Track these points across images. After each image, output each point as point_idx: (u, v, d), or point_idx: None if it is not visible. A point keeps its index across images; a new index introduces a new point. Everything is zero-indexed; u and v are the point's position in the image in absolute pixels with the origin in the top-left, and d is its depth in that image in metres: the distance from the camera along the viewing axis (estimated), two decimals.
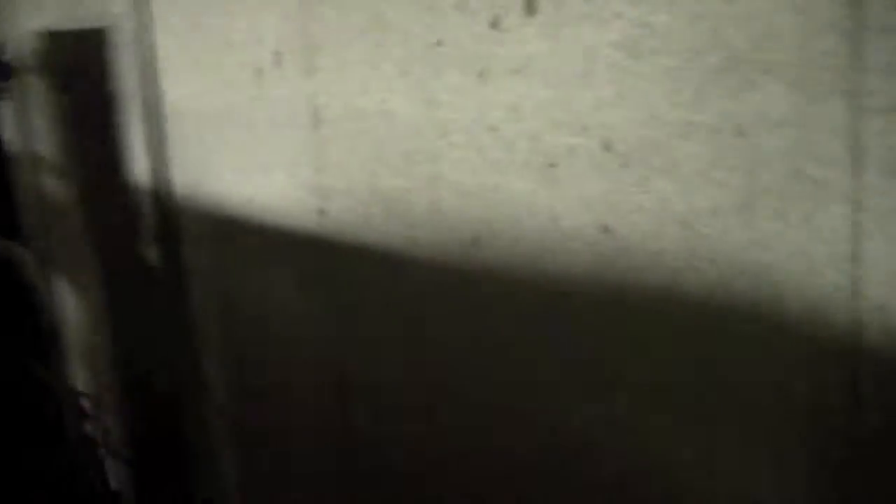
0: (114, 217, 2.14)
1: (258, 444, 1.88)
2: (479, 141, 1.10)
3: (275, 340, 1.69)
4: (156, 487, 2.08)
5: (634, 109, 0.92)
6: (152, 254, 1.96)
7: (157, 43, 1.77)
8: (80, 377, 2.52)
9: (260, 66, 1.47)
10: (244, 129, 1.55)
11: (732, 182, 0.84)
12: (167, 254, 1.90)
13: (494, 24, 1.05)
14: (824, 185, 0.77)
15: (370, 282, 1.40)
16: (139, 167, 1.94)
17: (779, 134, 0.80)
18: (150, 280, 2.03)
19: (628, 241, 0.96)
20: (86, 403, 2.03)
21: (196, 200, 1.76)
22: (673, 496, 0.96)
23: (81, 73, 2.13)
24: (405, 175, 1.24)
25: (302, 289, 1.56)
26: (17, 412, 1.74)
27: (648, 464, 0.98)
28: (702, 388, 0.91)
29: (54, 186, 2.37)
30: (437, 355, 1.30)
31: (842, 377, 0.79)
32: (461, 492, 1.28)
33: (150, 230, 1.96)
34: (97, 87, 2.04)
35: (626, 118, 0.93)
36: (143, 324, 2.18)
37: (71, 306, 2.43)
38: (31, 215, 1.75)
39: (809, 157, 0.78)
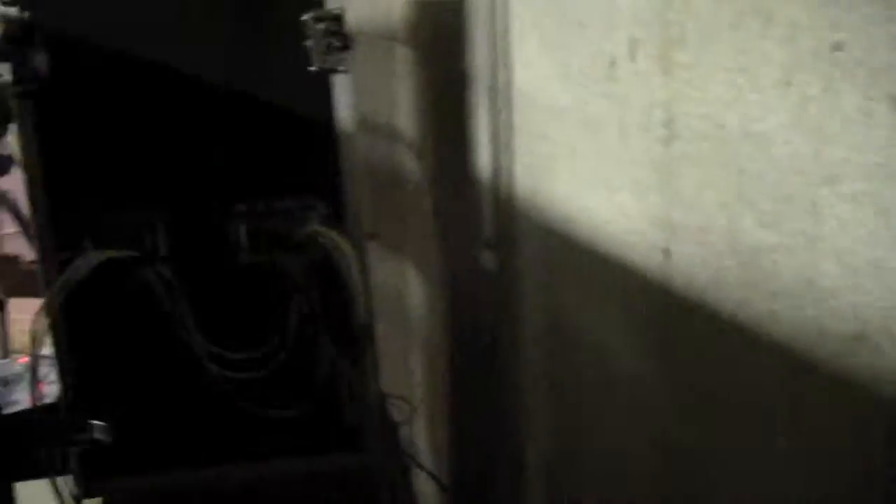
0: (457, 208, 2.16)
1: (574, 498, 1.78)
2: (882, 198, 0.84)
3: (596, 385, 1.55)
4: None
5: None
6: (488, 257, 1.93)
7: (510, 16, 1.70)
8: (398, 378, 2.62)
9: (613, 55, 1.32)
10: (591, 132, 1.42)
11: None
12: (502, 261, 1.85)
13: None
14: None
15: (715, 354, 1.19)
16: (481, 157, 1.91)
17: None
18: (485, 286, 2.01)
19: None
20: (397, 410, 2.09)
21: (535, 204, 1.67)
22: None
23: (439, 47, 2.16)
24: (773, 227, 1.00)
25: (633, 338, 1.39)
26: (316, 412, 1.83)
27: None
28: None
29: (400, 166, 2.46)
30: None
31: None
32: None
33: (488, 229, 1.93)
34: (453, 63, 2.05)
35: None
36: (475, 333, 2.18)
37: (393, 296, 2.53)
38: (357, 193, 1.81)
39: None
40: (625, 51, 1.28)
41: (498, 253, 1.82)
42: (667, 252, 1.23)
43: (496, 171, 1.79)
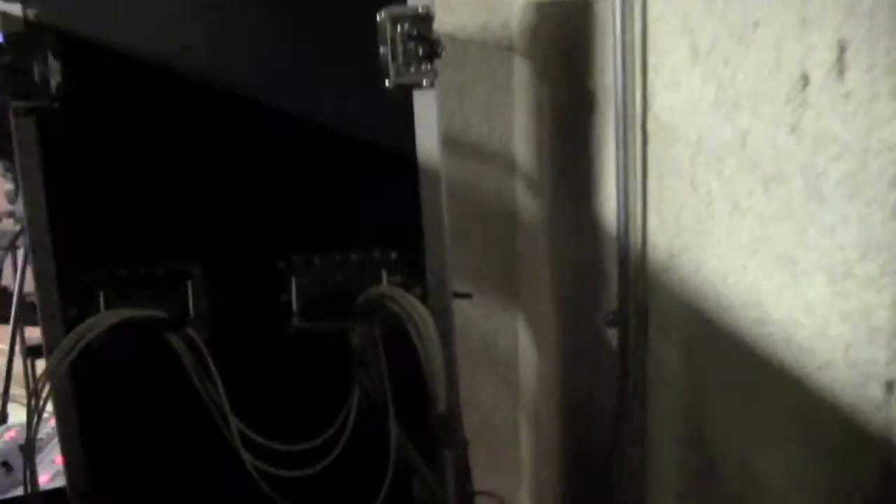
0: (577, 261, 1.71)
1: None
2: None
3: None
4: None
5: None
6: (611, 333, 1.47)
7: (649, 18, 1.24)
8: (501, 452, 2.18)
9: (805, 68, 0.85)
10: (763, 181, 0.95)
11: None
12: (629, 340, 1.39)
13: None
14: None
15: None
16: (607, 202, 1.45)
17: None
18: (607, 368, 1.55)
19: None
20: None
21: (675, 272, 1.21)
22: None
23: (562, 59, 1.72)
24: None
25: (820, 494, 0.91)
26: None
27: None
28: None
29: (512, 203, 2.03)
30: None
31: None
32: None
33: (612, 297, 1.47)
34: (578, 80, 1.60)
35: None
36: (594, 422, 1.72)
37: (501, 356, 2.09)
38: (442, 241, 1.38)
39: None
40: (826, 60, 0.81)
41: (624, 329, 1.36)
42: (890, 387, 0.75)
43: (624, 222, 1.33)
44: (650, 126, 1.24)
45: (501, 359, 2.14)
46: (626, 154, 1.31)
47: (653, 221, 1.26)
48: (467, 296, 1.55)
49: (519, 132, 2.04)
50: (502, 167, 2.07)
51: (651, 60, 1.23)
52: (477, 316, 2.06)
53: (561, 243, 1.75)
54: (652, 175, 1.25)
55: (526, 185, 2.00)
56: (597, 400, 1.64)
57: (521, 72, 2.01)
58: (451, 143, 2.06)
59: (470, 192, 2.07)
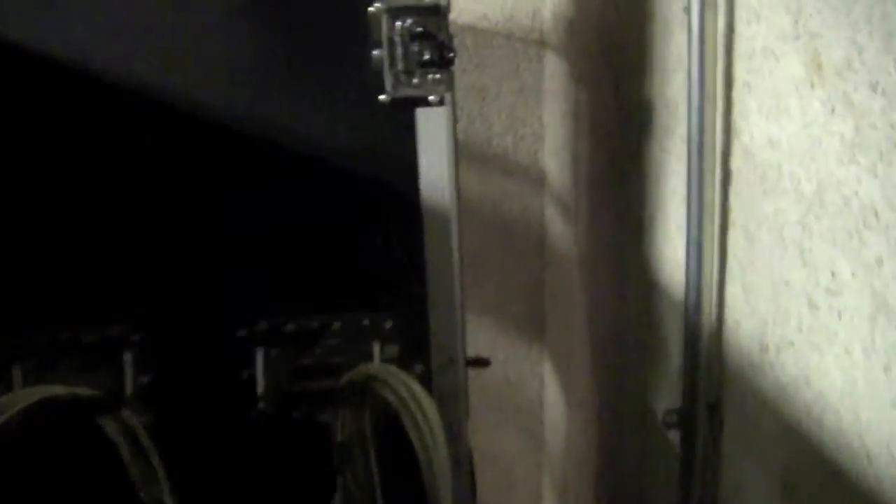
0: (624, 318, 1.37)
1: None
2: None
3: None
4: None
5: None
6: (671, 435, 1.13)
7: (735, 14, 0.90)
8: None
9: None
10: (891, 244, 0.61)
11: None
12: (694, 452, 1.05)
13: None
14: None
15: None
16: (667, 254, 1.12)
17: None
18: (662, 475, 1.23)
19: None
20: None
21: (770, 374, 0.87)
22: None
23: (609, 57, 1.38)
24: None
25: None
26: None
27: None
28: None
29: (539, 229, 1.69)
30: None
31: None
32: None
33: (673, 388, 1.13)
34: (626, 87, 1.26)
35: None
36: None
37: (526, 407, 1.75)
38: (453, 301, 1.06)
39: None
40: None
41: (690, 436, 1.02)
42: None
43: (695, 285, 0.99)
44: (735, 162, 0.90)
45: (523, 407, 1.81)
46: (700, 195, 0.97)
47: (734, 292, 0.92)
48: (485, 363, 1.22)
49: (550, 143, 1.70)
50: (530, 184, 1.73)
51: (739, 73, 0.88)
52: (497, 358, 1.74)
53: (600, 284, 1.42)
54: (735, 229, 0.91)
55: (557, 208, 1.66)
56: (641, 494, 1.31)
57: (553, 71, 1.67)
58: (469, 153, 1.73)
59: (490, 212, 1.74)
